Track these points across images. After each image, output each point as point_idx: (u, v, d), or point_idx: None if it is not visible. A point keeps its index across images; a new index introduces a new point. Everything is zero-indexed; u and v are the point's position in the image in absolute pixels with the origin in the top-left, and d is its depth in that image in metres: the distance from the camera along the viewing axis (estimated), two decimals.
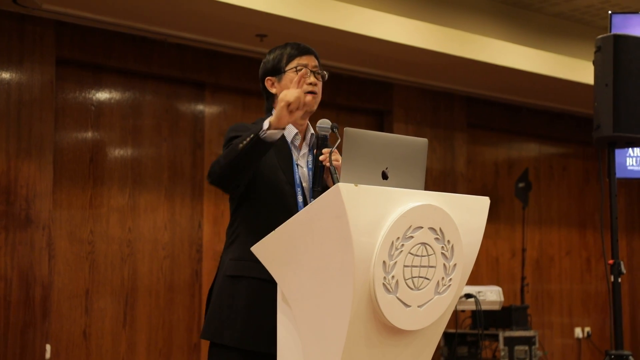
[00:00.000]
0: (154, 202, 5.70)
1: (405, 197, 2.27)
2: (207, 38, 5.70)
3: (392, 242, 2.22)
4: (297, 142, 2.77)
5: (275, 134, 2.52)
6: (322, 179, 2.69)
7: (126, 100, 5.68)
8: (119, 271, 5.52)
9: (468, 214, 2.41)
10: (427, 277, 2.31)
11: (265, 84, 2.81)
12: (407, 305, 2.28)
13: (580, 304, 8.20)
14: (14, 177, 5.03)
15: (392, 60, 6.33)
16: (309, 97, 2.71)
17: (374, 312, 2.23)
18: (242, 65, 6.03)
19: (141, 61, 5.64)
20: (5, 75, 5.09)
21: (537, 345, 6.18)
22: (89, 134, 5.52)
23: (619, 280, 4.05)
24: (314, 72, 2.76)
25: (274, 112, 2.54)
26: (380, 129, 6.86)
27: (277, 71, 2.78)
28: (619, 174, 4.59)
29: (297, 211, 2.61)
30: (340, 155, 2.28)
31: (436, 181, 7.03)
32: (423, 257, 2.29)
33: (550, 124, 8.05)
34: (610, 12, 4.68)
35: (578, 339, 8.10)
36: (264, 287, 2.58)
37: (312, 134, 2.81)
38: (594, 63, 4.11)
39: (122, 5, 5.15)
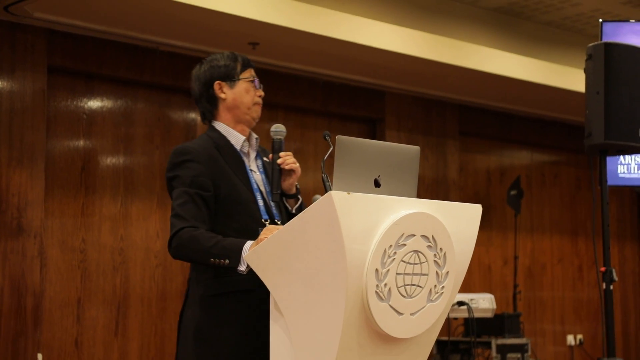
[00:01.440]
0: (146, 210, 5.69)
1: (397, 205, 2.27)
2: (199, 46, 5.71)
3: (385, 250, 2.22)
4: (246, 149, 2.79)
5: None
6: (280, 182, 2.75)
7: (118, 109, 5.68)
8: (110, 280, 5.50)
9: (460, 221, 2.41)
10: (419, 284, 2.31)
11: (214, 86, 2.79)
12: (399, 313, 2.27)
13: (572, 312, 8.21)
14: (5, 186, 5.02)
15: (384, 68, 6.35)
16: (256, 111, 2.80)
17: (367, 319, 2.23)
18: None
19: (133, 69, 5.63)
20: None
21: (529, 352, 6.18)
22: (81, 142, 5.50)
23: (611, 287, 4.05)
24: (260, 86, 2.84)
25: (256, 242, 2.41)
26: (373, 136, 6.87)
27: (229, 77, 2.78)
28: (611, 181, 4.61)
29: (261, 216, 2.68)
30: (333, 163, 2.28)
31: (428, 189, 7.04)
32: (415, 265, 2.29)
33: (542, 132, 8.07)
34: (601, 20, 4.70)
35: (570, 347, 8.10)
36: (247, 298, 2.58)
37: (256, 138, 2.84)
38: (585, 71, 4.13)
39: (113, 13, 5.14)
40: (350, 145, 2.30)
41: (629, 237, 8.75)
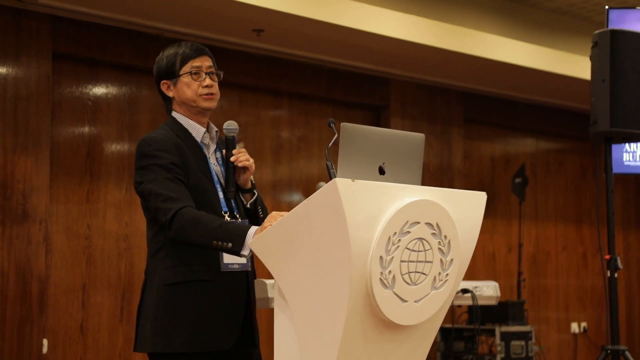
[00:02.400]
0: None
1: (402, 192, 2.27)
2: (203, 33, 5.70)
3: (389, 237, 2.22)
4: (206, 140, 2.78)
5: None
6: (235, 179, 2.72)
7: (123, 95, 5.68)
8: (115, 266, 5.51)
9: (465, 209, 2.41)
10: (423, 272, 2.31)
11: (161, 87, 2.78)
12: (403, 300, 2.28)
13: (576, 299, 8.21)
14: (10, 172, 5.03)
15: (388, 55, 6.33)
16: (206, 101, 2.73)
17: (371, 307, 2.24)
18: (238, 60, 6.02)
19: (137, 56, 5.63)
20: (2, 70, 5.08)
21: (533, 340, 6.19)
22: (86, 129, 5.51)
23: (615, 275, 4.06)
24: (209, 74, 2.76)
25: (261, 229, 2.42)
26: (377, 124, 6.86)
27: (171, 74, 2.76)
28: (616, 169, 4.60)
29: (221, 208, 2.69)
30: (338, 150, 2.28)
31: (433, 176, 7.04)
32: (420, 252, 2.29)
33: (547, 119, 8.05)
34: (607, 7, 4.68)
35: (574, 334, 8.11)
36: (205, 288, 2.61)
37: (216, 131, 2.82)
38: (590, 58, 4.12)
39: (118, 0, 5.14)
40: (355, 133, 2.30)
41: (633, 225, 8.74)
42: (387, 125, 6.78)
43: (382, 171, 2.34)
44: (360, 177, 2.22)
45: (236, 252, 2.47)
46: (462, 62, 6.50)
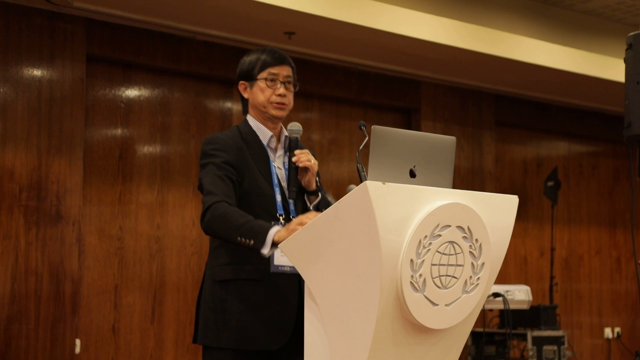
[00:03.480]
0: (182, 198, 5.74)
1: (433, 196, 2.26)
2: (235, 35, 5.72)
3: (420, 241, 2.21)
4: (273, 144, 2.85)
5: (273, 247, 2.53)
6: (297, 179, 2.79)
7: (155, 97, 5.72)
8: (147, 267, 5.56)
9: (496, 212, 2.40)
10: (454, 275, 2.30)
11: (239, 87, 2.88)
12: (434, 304, 2.27)
13: (610, 304, 8.12)
14: (45, 174, 5.09)
15: (420, 58, 6.31)
16: (276, 109, 2.81)
17: (401, 310, 2.23)
18: None
19: (170, 58, 5.67)
20: (37, 72, 5.15)
21: (566, 345, 6.13)
22: (119, 131, 5.56)
23: None
24: (284, 83, 2.82)
25: (285, 229, 2.47)
26: (408, 127, 6.84)
27: (250, 77, 2.84)
28: None
29: (277, 211, 2.75)
30: (369, 153, 2.28)
31: (464, 179, 7.00)
32: (451, 256, 2.28)
33: (580, 122, 7.97)
34: None
35: (608, 339, 8.02)
36: (253, 287, 2.69)
37: (286, 136, 2.88)
38: (625, 60, 4.07)
39: (151, 2, 5.18)
40: (386, 135, 2.29)
41: None
42: (418, 128, 6.76)
43: (412, 174, 2.33)
44: (390, 180, 2.22)
45: (257, 249, 2.52)
46: (493, 65, 6.46)
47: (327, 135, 6.51)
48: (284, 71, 2.84)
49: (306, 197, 2.83)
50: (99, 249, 5.39)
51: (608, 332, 8.02)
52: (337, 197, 2.70)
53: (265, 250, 2.50)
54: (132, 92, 5.64)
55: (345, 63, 6.42)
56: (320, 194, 2.85)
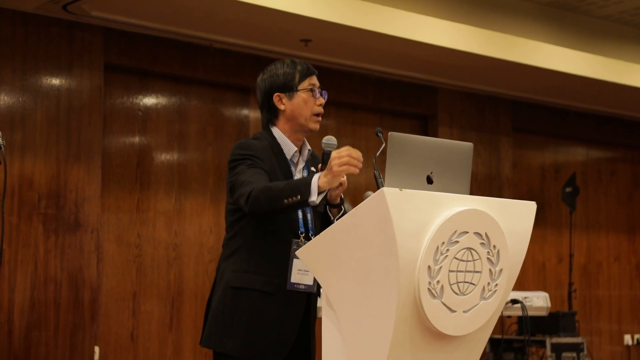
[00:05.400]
0: (199, 206, 5.75)
1: (450, 202, 2.25)
2: (251, 43, 5.74)
3: (437, 247, 2.21)
4: (296, 159, 2.85)
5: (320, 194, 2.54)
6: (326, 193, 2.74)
7: (172, 105, 5.75)
8: (165, 274, 5.58)
9: (514, 218, 2.39)
10: (472, 282, 2.29)
11: (274, 99, 2.83)
12: (452, 311, 2.26)
13: (629, 311, 8.05)
14: (63, 182, 5.12)
15: (436, 64, 6.30)
16: (315, 123, 2.83)
17: (419, 317, 2.23)
18: None
19: (187, 66, 5.70)
20: (55, 81, 5.19)
21: (585, 352, 6.09)
22: (136, 139, 5.59)
23: None
24: (321, 93, 2.85)
25: (325, 174, 2.52)
26: (425, 133, 6.83)
27: (288, 88, 2.82)
28: None
29: (298, 227, 2.75)
30: (385, 160, 2.28)
31: (481, 186, 6.98)
32: (468, 262, 2.28)
33: (598, 128, 7.93)
34: None
35: (627, 346, 7.95)
36: (265, 299, 2.69)
37: (308, 150, 2.89)
38: None
39: (167, 11, 5.21)
40: (403, 142, 2.29)
41: None
42: (434, 134, 6.75)
43: (430, 180, 2.33)
44: (407, 187, 2.22)
45: (305, 200, 2.52)
46: (510, 70, 6.44)
47: (343, 142, 6.47)
48: (317, 82, 2.87)
49: (328, 209, 2.82)
50: (118, 256, 5.41)
51: (628, 339, 7.96)
52: (355, 204, 2.70)
53: (314, 197, 2.50)
54: (149, 100, 5.67)
55: (362, 70, 6.42)
56: (343, 208, 2.84)
